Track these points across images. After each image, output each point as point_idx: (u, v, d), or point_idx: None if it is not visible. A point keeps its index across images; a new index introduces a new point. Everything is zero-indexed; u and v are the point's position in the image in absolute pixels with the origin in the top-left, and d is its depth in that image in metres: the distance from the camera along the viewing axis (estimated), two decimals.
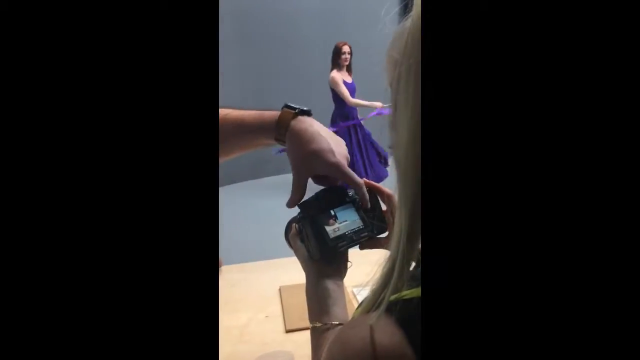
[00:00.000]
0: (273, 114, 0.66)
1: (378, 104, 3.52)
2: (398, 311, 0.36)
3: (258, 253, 1.66)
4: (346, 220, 0.64)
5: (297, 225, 0.67)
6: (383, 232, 0.67)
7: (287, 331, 0.99)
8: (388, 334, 0.36)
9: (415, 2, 0.37)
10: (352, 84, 3.66)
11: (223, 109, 0.68)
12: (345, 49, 3.57)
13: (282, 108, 0.66)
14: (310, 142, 0.63)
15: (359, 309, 0.42)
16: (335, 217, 0.64)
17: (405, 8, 0.40)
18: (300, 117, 0.65)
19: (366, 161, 3.59)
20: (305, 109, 0.66)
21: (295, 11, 4.57)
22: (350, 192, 0.66)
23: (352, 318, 0.43)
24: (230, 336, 0.98)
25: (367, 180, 0.66)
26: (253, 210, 3.87)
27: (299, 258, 0.67)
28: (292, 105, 0.66)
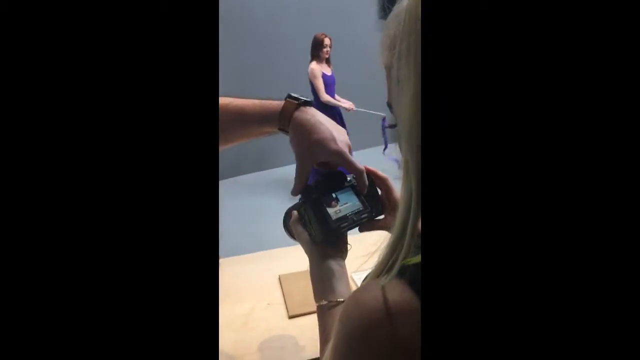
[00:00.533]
0: (276, 104, 0.69)
1: (349, 104, 3.67)
2: (407, 275, 0.39)
3: (246, 247, 1.67)
4: (347, 203, 0.68)
5: (298, 211, 0.70)
6: (380, 214, 0.70)
7: (290, 317, 1.02)
8: (399, 291, 0.38)
9: None
10: (331, 76, 3.66)
11: (225, 98, 0.70)
12: (327, 41, 3.56)
13: (285, 99, 0.69)
14: (313, 131, 0.66)
15: (369, 276, 0.45)
16: (336, 200, 0.68)
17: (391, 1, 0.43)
18: (303, 108, 0.68)
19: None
20: (307, 99, 0.69)
21: (274, 8, 4.55)
22: (349, 177, 0.70)
23: (363, 283, 0.46)
24: (234, 325, 1.01)
25: (366, 166, 0.69)
26: (237, 208, 3.86)
27: (301, 243, 0.70)
28: (295, 95, 0.69)
